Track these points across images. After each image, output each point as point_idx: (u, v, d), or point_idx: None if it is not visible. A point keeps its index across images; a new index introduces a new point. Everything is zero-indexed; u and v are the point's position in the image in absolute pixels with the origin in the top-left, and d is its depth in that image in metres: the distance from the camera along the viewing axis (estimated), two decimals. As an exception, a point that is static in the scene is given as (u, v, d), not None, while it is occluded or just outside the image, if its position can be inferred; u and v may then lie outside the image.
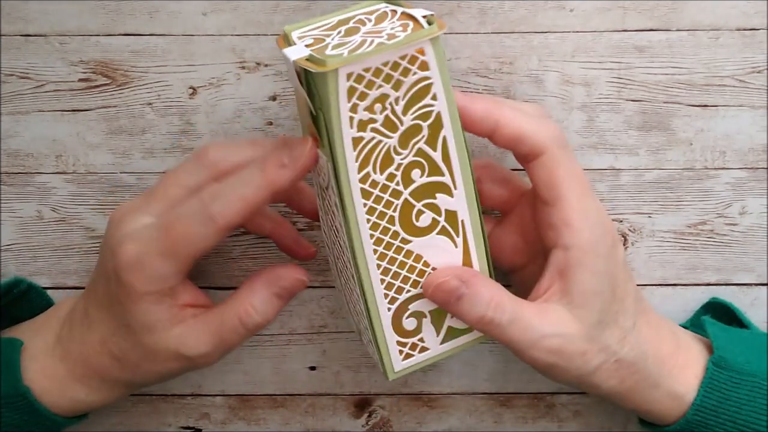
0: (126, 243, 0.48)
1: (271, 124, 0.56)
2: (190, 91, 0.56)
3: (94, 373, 0.52)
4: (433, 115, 0.45)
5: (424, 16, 0.45)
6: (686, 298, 0.58)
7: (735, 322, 0.56)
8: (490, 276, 0.50)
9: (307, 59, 0.43)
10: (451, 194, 0.47)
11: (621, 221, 0.58)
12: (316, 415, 0.60)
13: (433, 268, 0.48)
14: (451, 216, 0.48)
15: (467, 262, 0.49)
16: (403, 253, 0.47)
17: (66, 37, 0.55)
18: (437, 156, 0.46)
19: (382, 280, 0.48)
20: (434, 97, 0.45)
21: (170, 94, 0.56)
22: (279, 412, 0.60)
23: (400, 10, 0.47)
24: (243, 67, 0.56)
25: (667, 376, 0.51)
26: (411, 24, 0.45)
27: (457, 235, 0.48)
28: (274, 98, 0.56)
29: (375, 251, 0.47)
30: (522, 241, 0.53)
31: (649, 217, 0.58)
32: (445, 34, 0.54)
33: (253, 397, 0.60)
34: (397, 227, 0.47)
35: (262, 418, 0.60)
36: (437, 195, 0.47)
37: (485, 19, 0.55)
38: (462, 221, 0.48)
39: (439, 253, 0.48)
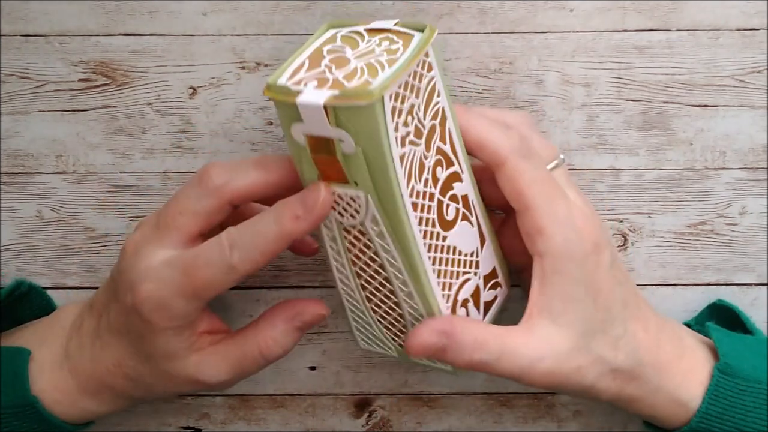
0: (145, 282, 0.48)
1: (271, 124, 0.56)
2: (190, 91, 0.56)
3: (107, 389, 0.52)
4: (440, 111, 0.46)
5: (396, 24, 0.46)
6: (686, 298, 0.58)
7: (739, 326, 0.56)
8: (496, 243, 0.51)
9: (338, 97, 0.42)
10: (461, 180, 0.48)
11: (621, 221, 0.58)
12: (316, 415, 0.60)
13: (465, 254, 0.49)
14: (465, 200, 0.49)
15: (482, 238, 0.50)
16: (445, 250, 0.48)
17: (66, 37, 0.55)
18: (448, 148, 0.47)
19: (439, 283, 0.48)
20: (438, 94, 0.46)
21: (170, 94, 0.56)
22: (279, 412, 0.60)
23: (361, 28, 0.47)
24: (243, 67, 0.56)
25: (668, 381, 0.50)
26: (393, 36, 0.46)
27: (472, 216, 0.49)
28: (274, 98, 0.56)
29: (430, 258, 0.47)
30: (519, 243, 0.53)
31: (649, 217, 0.58)
32: (445, 34, 0.55)
33: (253, 397, 0.60)
34: (438, 227, 0.47)
35: (262, 418, 0.60)
36: (453, 185, 0.48)
37: (485, 19, 0.55)
38: (472, 202, 0.49)
39: (466, 239, 0.49)
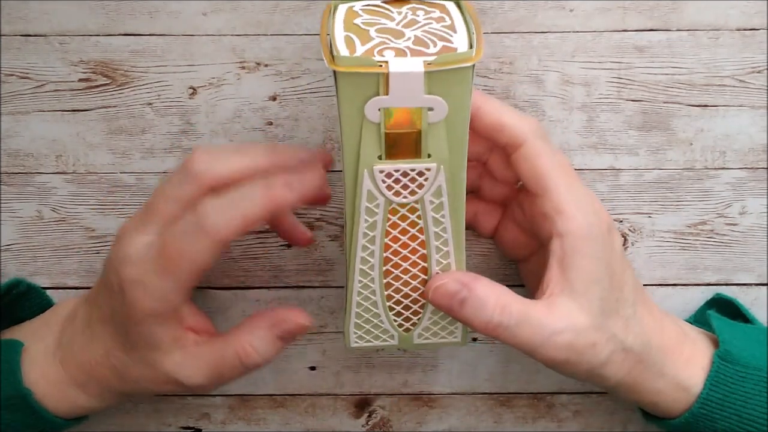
0: (127, 264, 0.48)
1: (270, 124, 0.56)
2: (190, 91, 0.56)
3: (94, 381, 0.52)
4: None
5: None
6: (686, 298, 0.58)
7: (739, 317, 0.56)
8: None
9: (439, 62, 0.41)
10: None
11: (621, 221, 0.58)
12: (316, 415, 0.60)
13: None
14: None
15: None
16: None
17: (66, 37, 0.55)
18: None
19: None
20: None
21: (170, 94, 0.56)
22: (279, 412, 0.60)
23: (377, 0, 0.46)
24: (243, 67, 0.56)
25: (672, 366, 0.51)
26: (422, 6, 0.46)
27: None
28: (274, 98, 0.56)
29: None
30: (522, 234, 0.54)
31: (649, 217, 0.58)
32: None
33: (253, 397, 0.60)
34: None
35: (262, 418, 0.60)
36: None
37: (485, 19, 0.55)
38: None
39: None
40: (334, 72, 0.42)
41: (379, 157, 0.44)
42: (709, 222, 0.58)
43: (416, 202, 0.46)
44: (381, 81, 0.41)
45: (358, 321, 0.51)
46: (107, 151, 0.57)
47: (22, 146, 0.57)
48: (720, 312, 0.57)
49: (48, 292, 0.58)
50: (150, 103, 0.56)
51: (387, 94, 0.42)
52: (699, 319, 0.57)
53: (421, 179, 0.45)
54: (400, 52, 0.42)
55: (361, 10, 0.46)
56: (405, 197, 0.46)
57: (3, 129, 0.56)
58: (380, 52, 0.42)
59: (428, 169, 0.44)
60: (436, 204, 0.46)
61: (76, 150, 0.57)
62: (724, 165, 0.57)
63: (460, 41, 0.43)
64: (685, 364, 0.51)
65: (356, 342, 0.52)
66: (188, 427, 0.61)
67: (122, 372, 0.51)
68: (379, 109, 0.42)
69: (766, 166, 0.57)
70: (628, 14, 0.55)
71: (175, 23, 0.55)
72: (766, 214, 0.57)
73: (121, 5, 0.55)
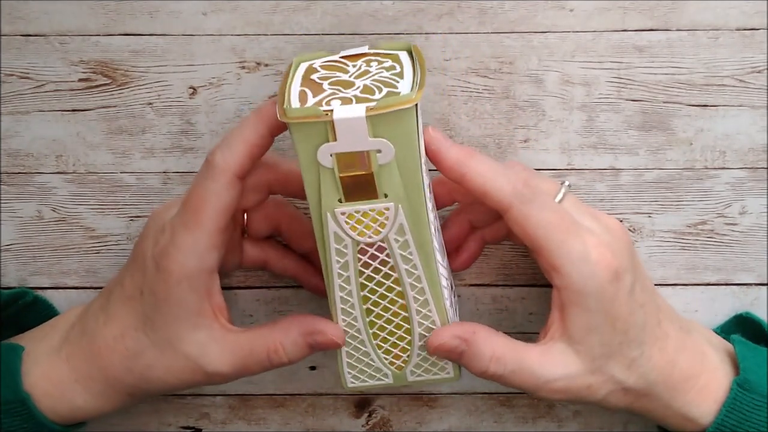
0: (160, 233, 0.50)
1: (271, 124, 0.56)
2: (190, 91, 0.56)
3: (98, 373, 0.52)
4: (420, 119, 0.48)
5: (369, 48, 0.49)
6: (686, 298, 0.58)
7: (763, 339, 0.56)
8: None
9: (379, 106, 0.43)
10: (431, 188, 0.51)
11: (621, 221, 0.57)
12: (316, 415, 0.60)
13: (443, 258, 0.51)
14: (434, 205, 0.51)
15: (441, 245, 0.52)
16: (441, 254, 0.50)
17: (66, 37, 0.55)
18: (425, 157, 0.49)
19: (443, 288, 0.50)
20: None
21: (170, 94, 0.56)
22: (279, 412, 0.60)
23: (335, 57, 0.49)
24: (243, 67, 0.56)
25: (680, 399, 0.51)
26: (376, 58, 0.48)
27: (438, 222, 0.52)
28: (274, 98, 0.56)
29: (439, 263, 0.50)
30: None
31: (649, 217, 0.58)
32: (445, 34, 0.55)
33: (253, 397, 0.60)
34: (437, 233, 0.49)
35: (262, 418, 0.60)
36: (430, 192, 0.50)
37: (485, 19, 0.55)
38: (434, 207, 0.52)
39: (441, 243, 0.52)
40: (288, 124, 0.45)
41: (339, 200, 0.46)
42: (709, 222, 0.58)
43: (382, 241, 0.47)
44: (328, 128, 0.44)
45: (350, 360, 0.52)
46: (107, 151, 0.57)
47: (22, 146, 0.57)
48: (746, 329, 0.57)
49: (48, 292, 0.58)
50: (150, 103, 0.56)
51: (335, 140, 0.44)
52: (726, 330, 0.57)
53: (381, 218, 0.47)
54: (346, 101, 0.45)
55: (319, 66, 0.48)
56: (370, 236, 0.47)
57: (3, 129, 0.56)
58: (328, 102, 0.45)
59: (387, 209, 0.46)
60: (401, 242, 0.47)
61: (76, 150, 0.57)
62: (724, 165, 0.57)
63: (404, 86, 0.45)
64: (695, 397, 0.52)
65: (352, 382, 0.53)
66: (188, 427, 0.61)
67: (136, 356, 0.51)
68: (330, 155, 0.44)
69: (766, 166, 0.57)
70: (628, 14, 0.55)
71: (175, 23, 0.55)
72: (766, 214, 0.57)
73: (121, 5, 0.55)
